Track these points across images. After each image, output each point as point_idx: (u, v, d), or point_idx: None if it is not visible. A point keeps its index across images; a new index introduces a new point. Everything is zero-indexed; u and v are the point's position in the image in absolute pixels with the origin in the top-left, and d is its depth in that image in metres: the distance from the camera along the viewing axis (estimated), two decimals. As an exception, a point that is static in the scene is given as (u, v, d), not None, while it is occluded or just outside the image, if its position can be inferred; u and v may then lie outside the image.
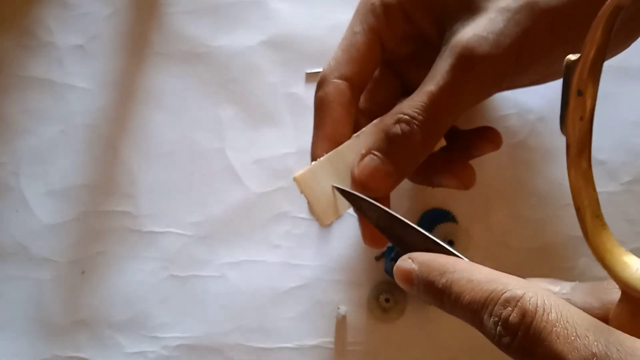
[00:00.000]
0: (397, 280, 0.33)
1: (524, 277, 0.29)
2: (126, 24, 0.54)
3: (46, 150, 0.53)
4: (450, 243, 0.48)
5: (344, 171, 0.40)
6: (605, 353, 0.24)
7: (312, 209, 0.40)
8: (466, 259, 0.32)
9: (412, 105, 0.37)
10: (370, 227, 0.40)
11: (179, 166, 0.52)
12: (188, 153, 0.52)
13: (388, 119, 0.39)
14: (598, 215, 0.25)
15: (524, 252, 0.49)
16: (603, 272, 0.26)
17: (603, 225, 0.26)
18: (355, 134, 0.40)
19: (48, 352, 0.50)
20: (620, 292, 0.27)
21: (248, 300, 0.50)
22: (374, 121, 0.41)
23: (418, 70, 0.42)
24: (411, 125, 0.37)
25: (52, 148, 0.53)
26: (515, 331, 0.26)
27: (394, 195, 0.41)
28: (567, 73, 0.25)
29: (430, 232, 0.48)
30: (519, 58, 0.37)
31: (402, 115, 0.37)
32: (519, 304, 0.26)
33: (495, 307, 0.27)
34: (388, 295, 0.48)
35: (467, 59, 0.36)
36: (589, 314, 0.26)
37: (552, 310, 0.26)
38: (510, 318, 0.26)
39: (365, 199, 0.38)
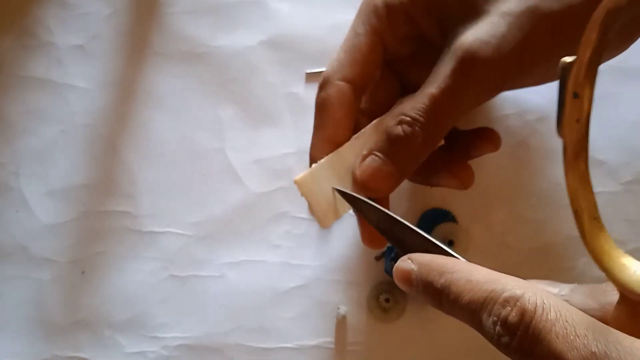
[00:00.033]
0: (397, 281, 0.33)
1: (523, 277, 0.29)
2: (126, 24, 0.54)
3: (46, 150, 0.53)
4: (450, 243, 0.48)
5: (343, 173, 0.40)
6: (605, 352, 0.24)
7: (312, 211, 0.41)
8: (465, 261, 0.32)
9: (413, 107, 0.38)
10: (370, 228, 0.40)
11: (179, 166, 0.52)
12: (188, 153, 0.52)
13: (389, 120, 0.39)
14: (596, 217, 0.25)
15: (524, 252, 0.48)
16: (603, 273, 0.26)
17: (601, 227, 0.26)
18: (354, 136, 0.41)
19: (48, 352, 0.50)
20: (618, 294, 0.27)
21: (248, 300, 0.50)
22: (373, 122, 0.41)
23: (418, 70, 0.42)
24: (413, 127, 0.37)
25: (52, 148, 0.53)
26: (514, 330, 0.26)
27: (394, 195, 0.41)
28: (563, 75, 0.25)
29: (430, 232, 0.48)
30: (520, 62, 0.37)
31: (404, 117, 0.38)
32: (518, 303, 0.26)
33: (495, 307, 0.27)
34: (388, 295, 0.48)
35: (469, 63, 0.36)
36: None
37: (552, 310, 0.26)
38: (509, 317, 0.26)
39: (365, 201, 0.38)
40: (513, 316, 0.26)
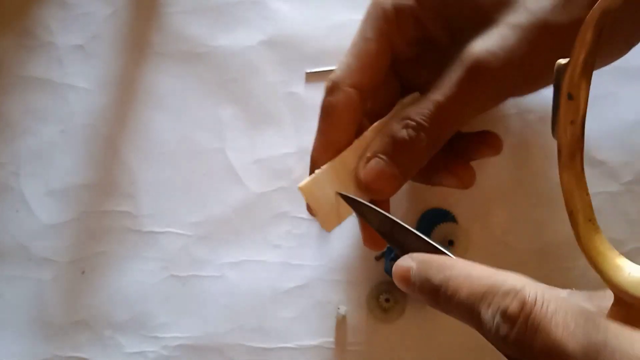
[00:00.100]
0: (395, 280, 0.33)
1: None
2: (126, 24, 0.54)
3: (46, 150, 0.53)
4: (450, 243, 0.48)
5: (345, 176, 0.41)
6: (604, 342, 0.24)
7: (316, 216, 0.41)
8: (465, 260, 0.32)
9: (419, 112, 0.38)
10: (371, 230, 0.40)
11: (179, 166, 0.52)
12: (188, 153, 0.52)
13: (394, 123, 0.39)
14: (591, 219, 0.25)
15: (524, 252, 0.48)
16: (600, 274, 0.26)
17: (596, 228, 0.26)
18: (356, 140, 0.41)
19: (48, 352, 0.50)
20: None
21: (248, 300, 0.50)
22: (374, 125, 0.41)
23: (420, 70, 0.42)
24: (417, 132, 0.38)
25: (52, 148, 0.53)
26: (514, 320, 0.26)
27: (394, 195, 0.41)
28: (558, 77, 0.24)
29: (430, 232, 0.48)
30: (527, 73, 0.38)
31: (409, 121, 0.38)
32: (519, 295, 0.27)
33: (495, 299, 0.27)
34: (388, 295, 0.48)
35: (476, 73, 0.37)
36: None
37: (552, 302, 0.26)
38: (509, 308, 0.26)
39: (367, 205, 0.38)
40: (513, 307, 0.26)
